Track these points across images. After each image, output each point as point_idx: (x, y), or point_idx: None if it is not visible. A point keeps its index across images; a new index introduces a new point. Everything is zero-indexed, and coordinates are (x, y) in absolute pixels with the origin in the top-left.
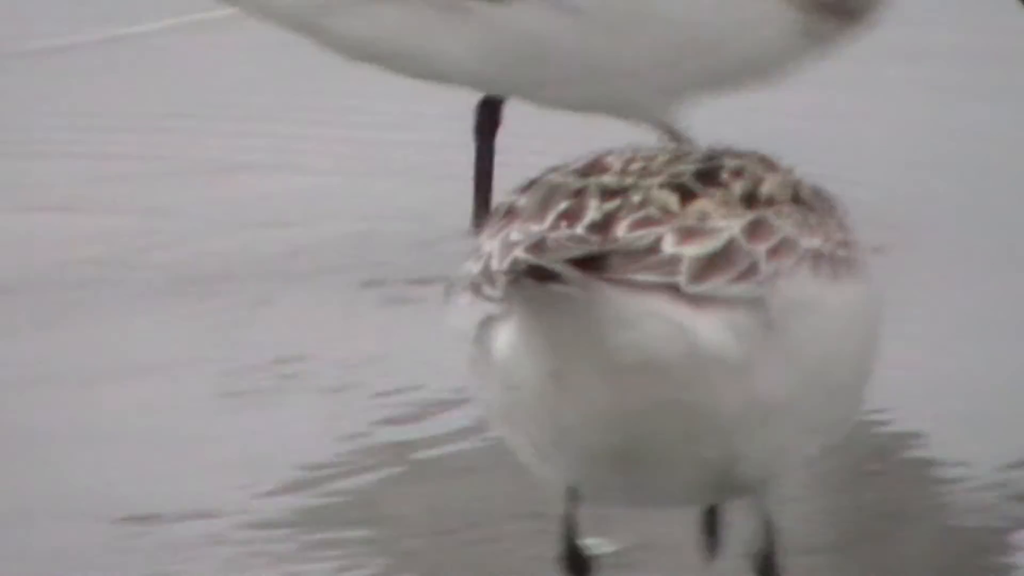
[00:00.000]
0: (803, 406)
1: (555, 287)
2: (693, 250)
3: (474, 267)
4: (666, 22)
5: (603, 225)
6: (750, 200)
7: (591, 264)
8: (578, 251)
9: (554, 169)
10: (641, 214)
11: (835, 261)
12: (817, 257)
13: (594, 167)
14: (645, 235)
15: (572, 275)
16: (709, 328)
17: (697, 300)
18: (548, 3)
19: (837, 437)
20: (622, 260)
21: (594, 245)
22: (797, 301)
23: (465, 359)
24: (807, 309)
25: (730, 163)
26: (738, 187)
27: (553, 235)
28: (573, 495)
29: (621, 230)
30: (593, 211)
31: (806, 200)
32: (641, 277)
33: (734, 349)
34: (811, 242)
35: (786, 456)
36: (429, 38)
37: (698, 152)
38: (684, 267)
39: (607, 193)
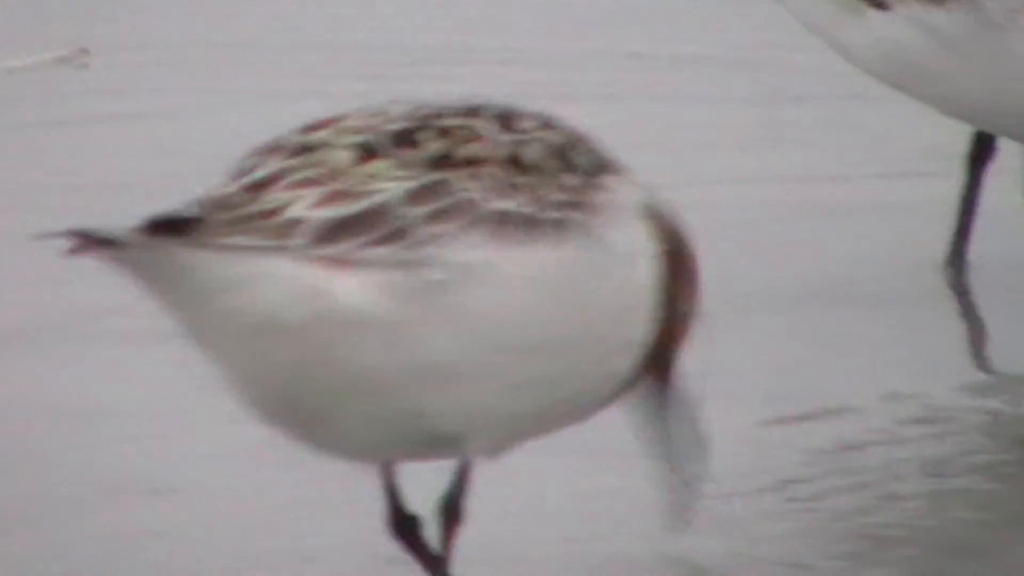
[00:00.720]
0: (482, 367)
1: (126, 251)
2: (326, 213)
3: None
4: None
5: (262, 185)
6: (441, 161)
7: (195, 228)
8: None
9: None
10: (304, 175)
11: (534, 224)
12: (503, 220)
13: (330, 121)
14: (276, 199)
15: (134, 241)
16: (345, 289)
17: (334, 262)
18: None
19: (561, 397)
20: (231, 223)
21: (189, 211)
22: (463, 264)
23: None
24: (477, 272)
25: (446, 122)
26: (432, 148)
27: (206, 195)
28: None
29: (277, 191)
30: (262, 170)
31: (528, 160)
32: (243, 241)
33: (376, 310)
34: (501, 204)
35: (480, 414)
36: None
37: (431, 109)
38: (305, 230)
39: (298, 151)
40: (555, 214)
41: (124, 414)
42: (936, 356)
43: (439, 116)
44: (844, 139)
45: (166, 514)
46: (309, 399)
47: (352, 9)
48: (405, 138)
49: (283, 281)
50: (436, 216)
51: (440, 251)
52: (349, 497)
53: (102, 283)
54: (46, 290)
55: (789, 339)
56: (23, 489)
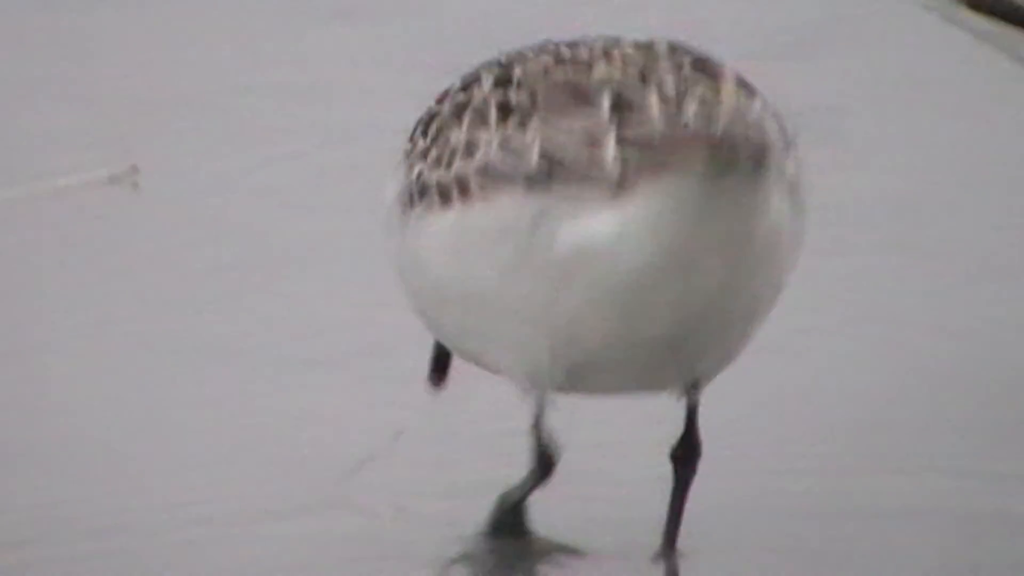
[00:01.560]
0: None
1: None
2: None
3: (503, 163)
4: None
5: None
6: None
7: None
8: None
9: (503, 67)
10: (705, 105)
11: None
12: None
13: (574, 59)
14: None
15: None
16: (783, 210)
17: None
18: None
19: None
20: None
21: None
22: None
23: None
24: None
25: (695, 51)
26: (732, 75)
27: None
28: (543, 401)
29: (712, 122)
30: (666, 104)
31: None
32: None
33: (789, 230)
34: None
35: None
36: None
37: (648, 41)
38: (768, 155)
39: (636, 83)
40: None
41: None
42: None
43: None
44: (897, 256)
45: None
46: (703, 321)
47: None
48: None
49: (778, 206)
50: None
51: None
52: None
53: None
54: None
55: None
56: None
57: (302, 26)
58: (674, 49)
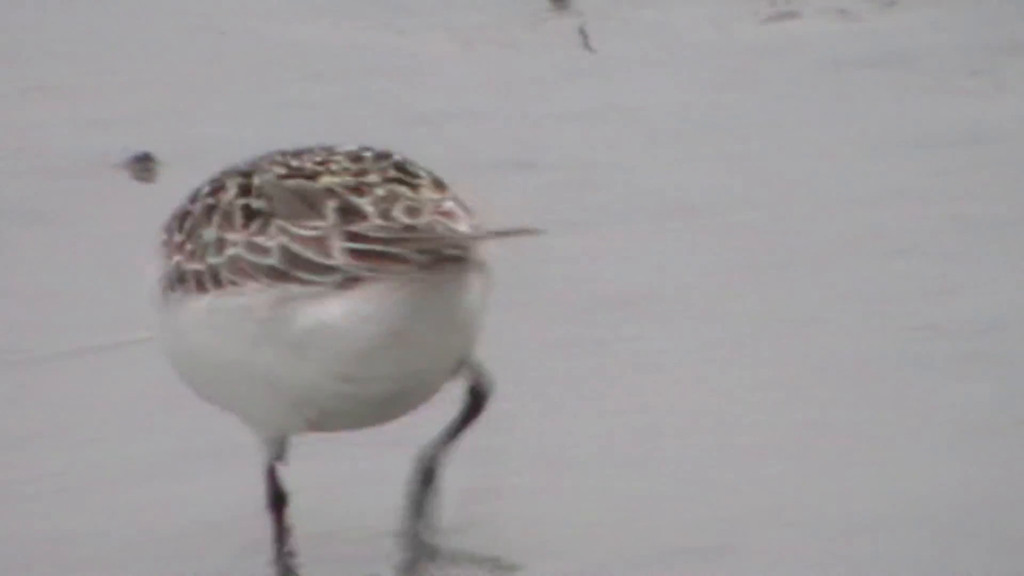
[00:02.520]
0: None
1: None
2: (465, 227)
3: (253, 258)
4: None
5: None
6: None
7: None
8: (472, 240)
9: (244, 175)
10: (410, 204)
11: None
12: None
13: (300, 170)
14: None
15: (471, 258)
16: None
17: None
18: None
19: None
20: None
21: (464, 237)
22: None
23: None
24: None
25: (395, 157)
26: (426, 176)
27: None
28: (279, 445)
29: (417, 218)
30: (378, 206)
31: None
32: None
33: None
34: None
35: None
36: None
37: (357, 150)
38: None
39: (353, 189)
40: None
41: None
42: None
43: (381, 155)
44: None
45: None
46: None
47: None
48: (408, 170)
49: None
50: None
51: None
52: None
53: None
54: None
55: None
56: None
57: None
58: (379, 157)
